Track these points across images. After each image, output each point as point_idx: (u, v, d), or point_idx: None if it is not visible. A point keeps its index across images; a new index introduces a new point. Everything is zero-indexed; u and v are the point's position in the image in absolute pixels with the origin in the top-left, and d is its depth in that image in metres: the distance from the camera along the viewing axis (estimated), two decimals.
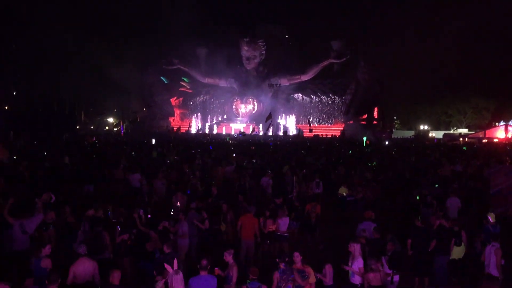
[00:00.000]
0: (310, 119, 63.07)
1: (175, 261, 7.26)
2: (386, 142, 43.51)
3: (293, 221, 12.43)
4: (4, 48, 58.80)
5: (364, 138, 40.49)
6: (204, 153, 25.67)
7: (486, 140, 50.49)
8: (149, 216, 11.36)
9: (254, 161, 22.26)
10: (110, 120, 70.01)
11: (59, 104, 51.50)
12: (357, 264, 8.66)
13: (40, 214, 10.03)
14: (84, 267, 8.00)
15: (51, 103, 49.56)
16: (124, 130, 55.89)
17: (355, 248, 8.76)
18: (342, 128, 59.26)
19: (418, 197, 14.89)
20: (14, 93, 52.30)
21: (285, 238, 11.79)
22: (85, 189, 15.68)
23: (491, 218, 11.32)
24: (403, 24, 61.26)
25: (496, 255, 8.94)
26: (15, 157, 21.20)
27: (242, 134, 48.75)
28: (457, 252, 10.20)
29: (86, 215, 10.73)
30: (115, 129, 65.06)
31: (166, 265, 7.12)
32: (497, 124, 66.97)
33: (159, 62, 64.90)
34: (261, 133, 52.20)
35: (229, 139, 43.00)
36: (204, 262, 7.62)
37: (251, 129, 56.36)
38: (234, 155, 24.86)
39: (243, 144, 36.73)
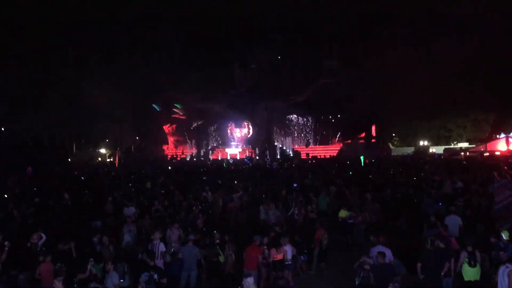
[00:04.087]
0: (308, 140, 63.34)
1: None
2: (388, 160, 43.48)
3: (298, 253, 12.28)
4: None
5: (362, 157, 40.44)
6: (204, 182, 25.50)
7: (487, 154, 50.53)
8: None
9: (250, 189, 22.06)
10: (103, 151, 69.80)
11: (49, 137, 51.36)
12: None
13: None
14: None
15: (40, 136, 49.38)
16: (118, 161, 55.67)
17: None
18: (340, 148, 59.40)
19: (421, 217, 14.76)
20: (2, 129, 52.20)
21: (291, 266, 11.65)
22: (93, 225, 15.43)
23: (504, 236, 11.07)
24: (399, 38, 61.85)
25: (509, 277, 8.70)
26: (5, 196, 20.99)
27: (249, 159, 48.88)
28: (472, 273, 9.89)
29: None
30: (108, 160, 64.87)
31: None
32: (497, 136, 67.18)
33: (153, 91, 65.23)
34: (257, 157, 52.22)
35: (225, 164, 42.92)
36: None
37: (248, 154, 56.34)
38: (235, 182, 24.81)
39: (243, 170, 36.73)
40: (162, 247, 11.74)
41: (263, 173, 31.42)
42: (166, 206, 17.75)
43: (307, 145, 63.16)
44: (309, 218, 16.37)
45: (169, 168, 40.44)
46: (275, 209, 16.55)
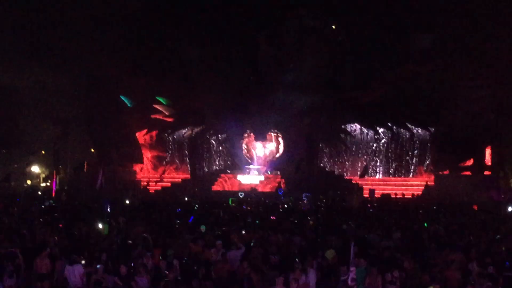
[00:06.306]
0: (367, 167, 62.90)
1: None
2: (510, 208, 42.88)
3: None
4: None
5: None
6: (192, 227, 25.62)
7: None
8: None
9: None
10: (35, 169, 70.50)
11: None
12: None
13: None
14: None
15: None
16: (57, 187, 55.93)
17: None
18: (431, 182, 58.80)
19: None
20: None
21: None
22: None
23: None
24: None
25: None
26: None
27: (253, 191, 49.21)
28: None
29: None
30: (43, 184, 65.41)
31: None
32: None
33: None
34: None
35: (232, 201, 42.96)
36: None
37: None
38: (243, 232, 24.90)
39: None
40: None
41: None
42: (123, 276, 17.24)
43: (362, 175, 61.47)
44: None
45: (139, 203, 40.78)
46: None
